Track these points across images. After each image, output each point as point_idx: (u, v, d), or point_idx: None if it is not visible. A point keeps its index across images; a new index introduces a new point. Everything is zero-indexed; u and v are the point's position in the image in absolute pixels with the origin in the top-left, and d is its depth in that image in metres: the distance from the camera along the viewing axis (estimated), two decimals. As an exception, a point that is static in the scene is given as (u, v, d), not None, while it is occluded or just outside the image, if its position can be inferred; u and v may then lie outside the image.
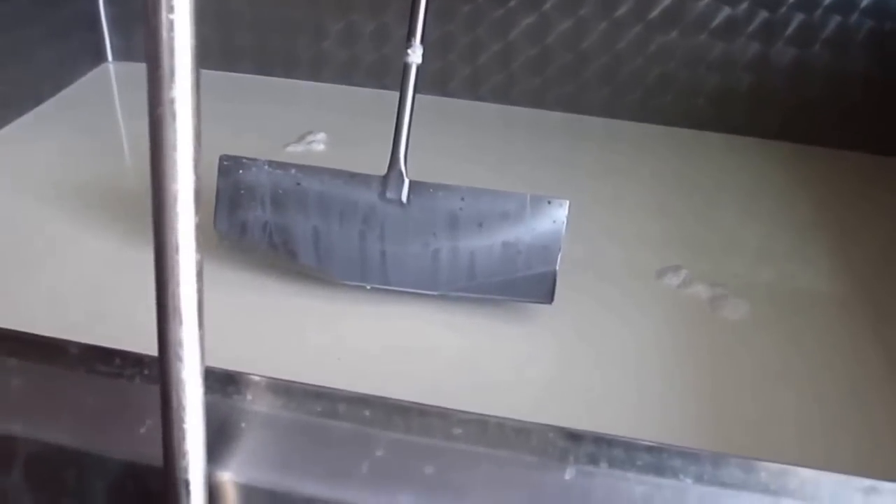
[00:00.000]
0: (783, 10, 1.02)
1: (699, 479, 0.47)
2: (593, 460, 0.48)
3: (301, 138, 1.04)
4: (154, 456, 0.46)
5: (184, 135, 0.39)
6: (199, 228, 0.42)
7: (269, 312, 0.76)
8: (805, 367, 0.72)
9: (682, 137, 1.09)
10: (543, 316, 0.76)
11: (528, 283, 0.75)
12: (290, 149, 1.02)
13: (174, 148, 0.39)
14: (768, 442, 0.65)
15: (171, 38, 0.36)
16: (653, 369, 0.72)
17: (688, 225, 0.92)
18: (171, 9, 0.36)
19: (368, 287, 0.77)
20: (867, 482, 0.46)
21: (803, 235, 0.91)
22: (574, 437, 0.48)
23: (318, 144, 1.03)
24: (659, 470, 0.47)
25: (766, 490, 0.46)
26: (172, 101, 0.38)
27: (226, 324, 0.69)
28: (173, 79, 0.37)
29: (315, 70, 1.18)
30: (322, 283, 0.77)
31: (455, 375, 0.70)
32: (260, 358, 0.65)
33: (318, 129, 1.05)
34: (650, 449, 0.47)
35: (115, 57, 1.22)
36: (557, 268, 0.73)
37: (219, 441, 0.49)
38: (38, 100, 1.10)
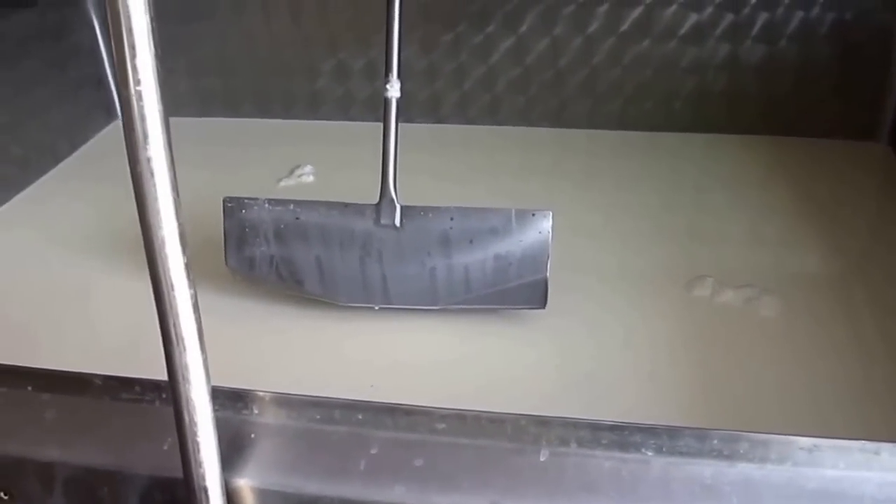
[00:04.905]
0: (747, 10, 1.06)
1: (659, 451, 0.52)
2: (564, 442, 0.53)
3: (291, 172, 1.09)
4: (177, 469, 0.51)
5: (163, 188, 0.44)
6: (189, 267, 0.47)
7: (289, 340, 0.80)
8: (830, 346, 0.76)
9: (664, 141, 1.12)
10: (554, 319, 0.79)
11: (522, 292, 0.79)
12: (283, 183, 1.07)
13: (156, 199, 0.45)
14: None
15: (141, 107, 0.42)
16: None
17: (685, 224, 0.95)
18: (137, 82, 0.41)
19: (377, 308, 0.81)
20: (810, 441, 0.50)
21: (792, 223, 0.94)
22: (544, 422, 0.53)
23: (308, 176, 1.09)
24: (622, 446, 0.52)
25: (719, 455, 0.51)
26: (149, 160, 0.44)
27: (245, 353, 0.75)
28: (147, 141, 0.43)
29: (310, 108, 1.23)
30: (333, 307, 0.81)
31: (466, 380, 0.73)
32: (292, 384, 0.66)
33: (306, 162, 1.10)
34: (612, 428, 0.52)
35: (126, 114, 1.27)
36: (548, 275, 0.77)
37: (232, 451, 0.55)
38: (57, 159, 1.15)
